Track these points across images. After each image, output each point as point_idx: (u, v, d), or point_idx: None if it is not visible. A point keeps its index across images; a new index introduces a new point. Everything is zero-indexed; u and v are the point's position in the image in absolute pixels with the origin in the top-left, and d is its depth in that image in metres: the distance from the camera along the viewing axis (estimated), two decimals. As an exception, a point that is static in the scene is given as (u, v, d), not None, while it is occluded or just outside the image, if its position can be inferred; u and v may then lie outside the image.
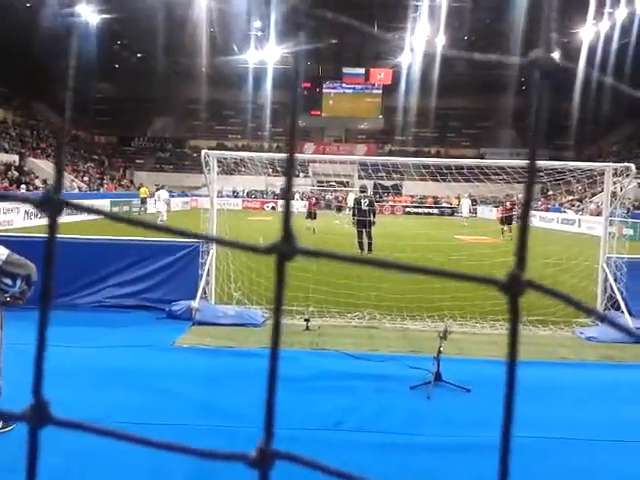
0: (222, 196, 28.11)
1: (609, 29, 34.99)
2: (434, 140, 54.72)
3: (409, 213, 43.91)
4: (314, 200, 30.44)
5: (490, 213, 42.31)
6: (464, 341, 6.86)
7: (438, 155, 47.46)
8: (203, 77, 47.04)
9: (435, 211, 44.17)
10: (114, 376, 5.33)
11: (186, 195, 42.38)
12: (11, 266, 3.78)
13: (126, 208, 32.47)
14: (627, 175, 7.84)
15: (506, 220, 22.29)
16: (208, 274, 8.02)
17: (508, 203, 23.33)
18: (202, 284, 7.88)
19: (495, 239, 19.23)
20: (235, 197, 41.55)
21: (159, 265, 8.20)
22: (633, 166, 7.76)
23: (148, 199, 32.83)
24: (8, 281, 3.81)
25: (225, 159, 9.30)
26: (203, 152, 8.09)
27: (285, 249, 0.48)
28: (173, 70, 46.59)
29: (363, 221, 14.31)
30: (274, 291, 0.50)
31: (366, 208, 14.77)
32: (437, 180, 11.77)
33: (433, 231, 23.80)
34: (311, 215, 22.33)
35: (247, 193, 45.75)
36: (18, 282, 3.80)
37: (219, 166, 8.85)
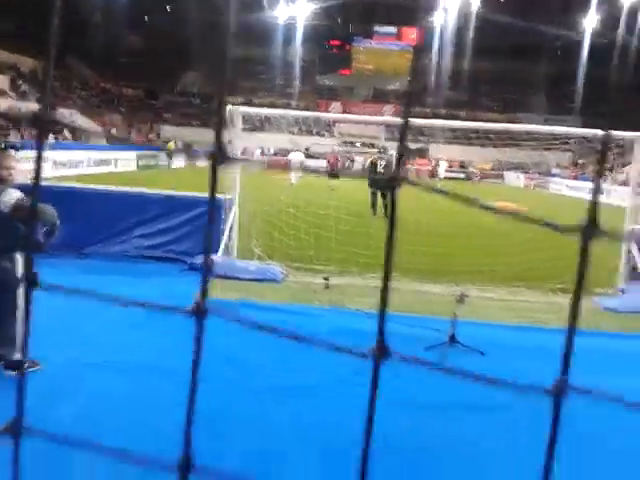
0: (245, 153, 28.18)
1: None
2: (463, 103, 53.59)
3: (433, 176, 43.29)
4: (334, 160, 30.19)
5: (517, 180, 41.68)
6: (481, 306, 6.87)
7: (467, 119, 46.54)
8: (231, 32, 46.55)
9: (462, 176, 43.46)
10: (134, 324, 5.40)
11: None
12: (26, 212, 3.69)
13: (153, 162, 32.67)
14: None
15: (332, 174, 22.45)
16: (230, 229, 8.12)
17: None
18: (224, 239, 7.97)
19: (521, 206, 18.97)
20: (262, 155, 41.45)
21: (184, 218, 8.31)
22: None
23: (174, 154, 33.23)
24: (25, 227, 3.72)
25: (250, 115, 9.28)
26: (228, 108, 8.07)
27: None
28: (202, 24, 46.05)
29: (377, 183, 14.06)
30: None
31: (382, 170, 14.63)
32: (464, 144, 11.61)
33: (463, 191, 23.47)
34: (333, 175, 22.49)
35: (273, 152, 45.57)
36: (36, 229, 3.74)
37: (245, 123, 8.82)
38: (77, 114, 37.43)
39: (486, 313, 6.65)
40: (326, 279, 7.36)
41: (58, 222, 4.08)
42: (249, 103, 46.44)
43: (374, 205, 14.38)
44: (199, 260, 7.87)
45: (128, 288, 6.76)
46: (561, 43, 44.06)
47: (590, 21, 39.62)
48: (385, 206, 14.02)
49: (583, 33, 41.59)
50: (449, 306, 5.57)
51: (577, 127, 39.54)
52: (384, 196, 14.14)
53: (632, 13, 34.68)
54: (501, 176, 42.56)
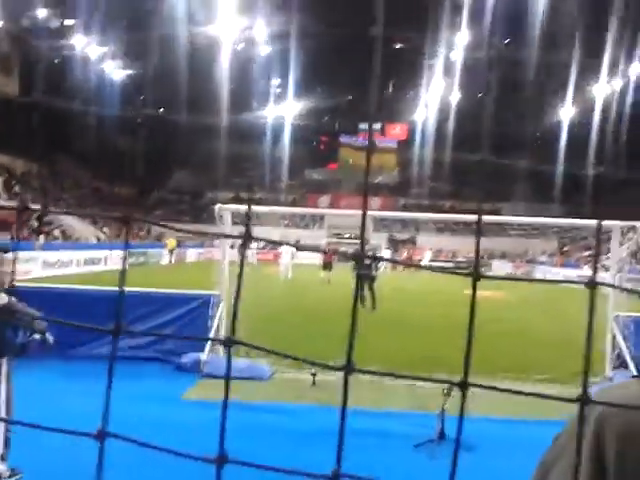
0: (234, 248, 28.32)
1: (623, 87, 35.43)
2: (449, 194, 55.02)
3: (422, 267, 43.53)
4: (330, 252, 30.48)
5: (504, 268, 42.11)
6: (471, 398, 6.71)
7: (453, 209, 47.59)
8: (223, 131, 48.17)
9: (449, 265, 43.88)
10: (118, 429, 5.26)
11: (202, 246, 42.77)
12: (11, 316, 3.68)
13: (143, 259, 32.79)
14: (635, 233, 7.84)
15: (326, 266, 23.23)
16: (218, 326, 8.05)
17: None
18: (212, 336, 7.89)
19: (507, 294, 19.03)
20: (251, 249, 41.79)
21: (170, 317, 8.25)
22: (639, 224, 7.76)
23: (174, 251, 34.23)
24: (9, 332, 3.68)
25: (239, 213, 9.44)
26: (217, 207, 8.24)
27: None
28: (193, 124, 47.81)
29: (362, 275, 14.15)
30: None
31: (368, 262, 14.69)
32: (452, 234, 11.80)
33: (444, 285, 23.64)
34: (327, 266, 22.86)
35: (262, 245, 45.99)
36: (20, 333, 3.70)
37: (235, 219, 8.99)
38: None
39: (474, 406, 6.51)
40: (314, 375, 7.24)
41: (45, 329, 4.04)
42: (239, 199, 47.52)
43: (362, 297, 14.36)
44: (187, 359, 7.75)
45: (115, 392, 6.59)
46: (540, 134, 45.99)
47: (567, 112, 41.58)
48: (371, 297, 14.16)
49: (560, 124, 43.55)
50: (438, 400, 5.47)
51: (559, 214, 40.42)
52: (369, 288, 14.25)
53: (607, 103, 36.51)
54: (489, 265, 43.02)
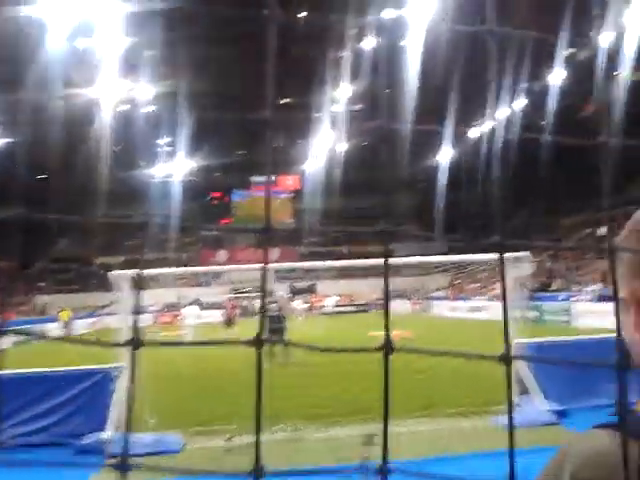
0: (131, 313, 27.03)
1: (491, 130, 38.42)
2: (344, 239, 56.33)
3: (325, 313, 44.12)
4: (232, 307, 29.87)
5: (403, 306, 43.34)
6: (391, 443, 6.72)
7: (349, 253, 48.67)
8: (109, 193, 46.69)
9: (350, 308, 44.66)
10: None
11: (92, 315, 40.52)
12: None
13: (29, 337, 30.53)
14: (523, 262, 8.35)
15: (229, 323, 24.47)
16: (120, 401, 7.55)
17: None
18: (114, 413, 7.39)
19: (409, 333, 19.50)
20: (145, 313, 40.25)
21: (66, 397, 7.64)
22: (528, 254, 8.30)
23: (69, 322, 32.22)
24: None
25: (137, 277, 9.05)
26: (112, 274, 7.87)
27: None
28: (77, 188, 46.02)
29: (272, 329, 13.89)
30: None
31: (275, 314, 14.39)
32: (351, 278, 11.95)
33: (349, 329, 23.91)
34: (230, 323, 22.25)
35: (161, 307, 44.43)
36: None
37: (130, 283, 8.60)
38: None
39: (396, 451, 6.51)
40: (229, 439, 6.94)
41: None
42: (130, 262, 45.82)
43: (272, 352, 14.02)
44: (88, 441, 7.18)
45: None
46: (425, 175, 48.54)
47: (445, 155, 44.34)
48: (282, 351, 13.71)
49: (440, 165, 46.42)
50: (358, 449, 5.41)
51: (446, 251, 42.42)
52: (279, 341, 13.83)
53: (481, 144, 39.29)
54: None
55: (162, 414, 7.75)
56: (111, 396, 7.48)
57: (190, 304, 24.43)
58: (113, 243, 52.59)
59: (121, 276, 8.01)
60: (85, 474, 6.21)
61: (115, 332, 8.12)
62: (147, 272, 10.22)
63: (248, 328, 19.12)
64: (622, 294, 0.80)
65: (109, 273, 8.01)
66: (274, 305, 14.78)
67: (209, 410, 7.72)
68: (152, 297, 42.94)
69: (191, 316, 22.27)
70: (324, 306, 43.38)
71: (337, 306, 42.62)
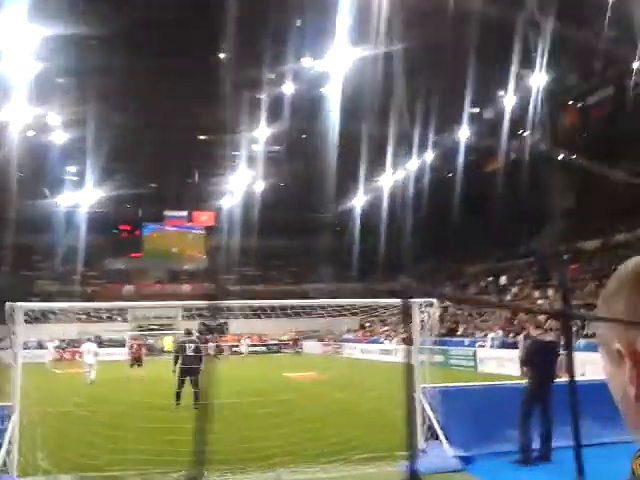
0: (26, 348, 25.25)
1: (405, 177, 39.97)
2: (258, 278, 55.95)
3: (236, 353, 43.33)
4: (137, 346, 28.63)
5: (315, 347, 43.47)
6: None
7: (267, 293, 48.32)
8: (7, 221, 44.01)
9: (263, 349, 44.19)
10: None
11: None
12: None
13: None
14: (430, 306, 8.60)
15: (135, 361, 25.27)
16: (10, 443, 6.96)
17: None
18: (2, 455, 6.80)
19: (322, 374, 19.51)
20: (40, 348, 37.75)
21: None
22: (435, 300, 8.55)
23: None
24: None
25: (33, 311, 8.49)
26: (7, 305, 7.34)
27: None
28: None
29: (188, 369, 13.23)
30: None
31: (192, 354, 13.74)
32: (264, 317, 11.78)
33: (262, 370, 23.57)
34: (137, 361, 21.05)
35: (58, 344, 41.81)
36: None
37: (26, 317, 8.08)
38: None
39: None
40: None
41: None
42: (31, 293, 43.15)
43: (179, 394, 13.13)
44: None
45: None
46: (339, 220, 49.43)
47: (359, 201, 45.52)
48: (195, 394, 13.03)
49: (354, 210, 47.44)
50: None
51: (358, 292, 42.82)
52: (194, 383, 13.12)
53: (395, 189, 40.69)
54: (299, 345, 44.10)
55: (56, 458, 7.22)
56: (1, 436, 6.89)
57: (88, 340, 23.03)
58: (10, 274, 49.27)
59: (18, 308, 7.49)
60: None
61: (5, 368, 7.52)
62: (43, 306, 9.65)
63: (156, 367, 18.37)
64: (615, 346, 0.77)
65: (5, 304, 7.47)
66: (190, 345, 14.01)
67: (106, 455, 7.27)
68: (51, 332, 40.53)
69: (90, 353, 21.01)
70: (237, 346, 42.67)
71: (250, 346, 42.06)
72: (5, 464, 6.87)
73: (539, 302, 31.26)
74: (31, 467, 7.08)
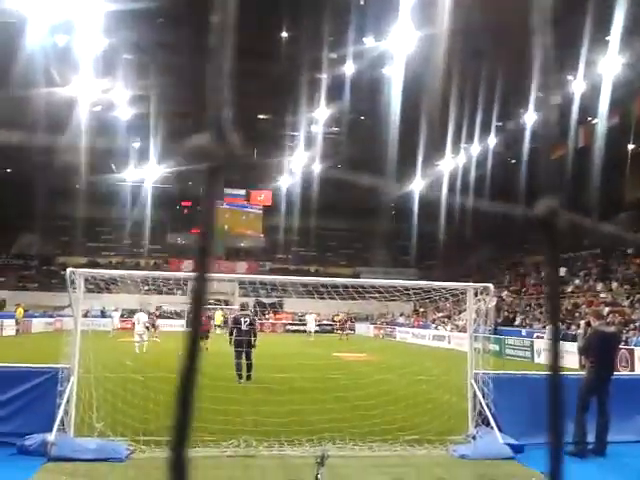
0: (88, 316, 26.30)
1: (467, 160, 39.07)
2: (313, 258, 56.27)
3: (289, 331, 43.91)
4: (206, 319, 29.38)
5: (367, 330, 43.49)
6: (343, 466, 6.64)
7: (317, 273, 48.63)
8: (76, 194, 45.78)
9: (317, 328, 44.31)
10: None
11: (50, 316, 39.47)
12: None
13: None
14: (487, 294, 8.41)
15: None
16: (67, 403, 7.29)
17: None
18: (60, 414, 7.13)
19: (372, 356, 19.51)
20: (103, 317, 39.31)
21: (11, 394, 7.37)
22: (491, 286, 8.36)
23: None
24: None
25: (94, 277, 8.80)
26: (68, 270, 7.63)
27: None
28: (43, 186, 45.04)
29: (242, 342, 13.52)
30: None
31: (246, 328, 13.99)
32: (316, 297, 11.84)
33: (313, 349, 23.81)
34: (205, 334, 21.79)
35: (121, 314, 43.45)
36: None
37: (89, 285, 8.40)
38: None
39: (347, 474, 6.42)
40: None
41: None
42: (94, 264, 44.91)
43: (239, 366, 13.33)
44: (31, 441, 6.91)
45: None
46: (395, 204, 48.89)
47: (418, 185, 44.94)
48: (248, 366, 13.38)
49: (413, 195, 46.88)
50: (311, 469, 5.30)
51: (414, 278, 42.74)
52: (247, 355, 13.46)
53: (453, 176, 39.83)
54: (352, 327, 44.16)
55: (111, 420, 7.52)
56: (59, 397, 7.23)
57: (140, 311, 23.86)
58: (77, 244, 51.49)
59: (78, 274, 7.77)
60: (24, 475, 5.98)
61: (68, 334, 7.85)
62: (101, 272, 9.95)
63: (217, 341, 18.77)
64: None
65: (64, 271, 7.75)
66: (245, 320, 14.28)
67: (159, 421, 7.51)
68: (112, 302, 42.12)
69: (140, 323, 21.76)
70: (290, 323, 43.34)
71: (319, 324, 41.68)
72: (63, 423, 7.20)
73: (602, 295, 30.19)
74: (87, 427, 7.41)
